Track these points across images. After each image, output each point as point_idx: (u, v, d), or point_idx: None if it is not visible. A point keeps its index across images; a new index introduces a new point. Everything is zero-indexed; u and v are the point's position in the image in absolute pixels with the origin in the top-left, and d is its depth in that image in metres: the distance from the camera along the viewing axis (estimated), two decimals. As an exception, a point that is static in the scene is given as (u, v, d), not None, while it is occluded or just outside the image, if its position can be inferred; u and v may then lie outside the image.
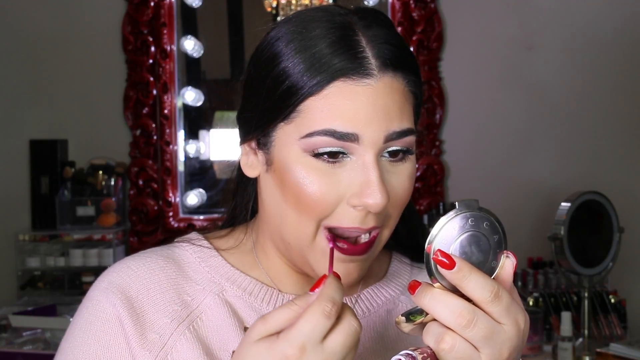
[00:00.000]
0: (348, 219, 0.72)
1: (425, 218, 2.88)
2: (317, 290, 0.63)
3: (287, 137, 0.73)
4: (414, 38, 2.94)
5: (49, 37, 2.99)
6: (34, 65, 3.01)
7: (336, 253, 0.73)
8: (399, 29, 2.93)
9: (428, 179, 2.95)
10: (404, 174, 0.74)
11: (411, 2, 2.93)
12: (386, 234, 0.76)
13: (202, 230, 0.89)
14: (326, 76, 0.71)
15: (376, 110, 0.71)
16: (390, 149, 0.73)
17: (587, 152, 2.98)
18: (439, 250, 0.62)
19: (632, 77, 2.98)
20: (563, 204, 2.26)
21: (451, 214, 0.63)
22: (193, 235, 0.87)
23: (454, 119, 2.99)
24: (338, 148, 0.71)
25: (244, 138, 0.80)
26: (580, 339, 2.29)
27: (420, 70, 0.78)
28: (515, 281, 2.67)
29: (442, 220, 0.63)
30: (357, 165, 0.71)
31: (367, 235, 0.74)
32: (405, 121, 0.73)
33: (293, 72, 0.72)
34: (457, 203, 0.63)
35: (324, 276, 0.64)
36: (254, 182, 0.84)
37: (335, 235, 0.73)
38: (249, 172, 0.80)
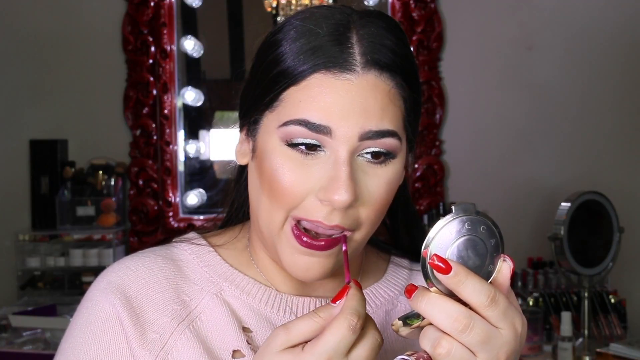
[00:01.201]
0: (314, 212, 0.72)
1: (425, 218, 2.88)
2: (340, 301, 0.63)
3: (269, 125, 0.74)
4: (414, 38, 2.94)
5: (49, 37, 2.99)
6: (34, 65, 3.01)
7: (297, 245, 0.73)
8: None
9: (428, 179, 2.95)
10: (381, 178, 0.73)
11: (411, 2, 2.93)
12: (358, 237, 0.75)
13: (201, 230, 0.89)
14: (309, 67, 0.71)
15: (353, 106, 0.70)
16: (370, 150, 0.72)
17: (587, 152, 2.98)
18: (435, 254, 0.61)
19: (632, 77, 2.98)
20: (563, 204, 2.26)
21: (448, 217, 0.62)
22: (191, 235, 0.88)
23: (454, 119, 2.99)
24: (312, 140, 0.71)
25: (240, 125, 0.81)
26: (580, 339, 2.29)
27: (417, 77, 0.77)
28: (515, 281, 2.67)
29: (439, 224, 0.62)
30: (329, 160, 0.71)
31: (334, 232, 0.73)
32: (386, 122, 0.72)
33: (283, 60, 0.73)
34: (453, 207, 0.63)
35: (346, 287, 0.64)
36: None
37: (304, 230, 0.73)
38: (239, 160, 0.81)
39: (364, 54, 0.72)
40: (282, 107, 0.73)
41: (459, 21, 2.98)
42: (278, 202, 0.73)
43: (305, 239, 0.72)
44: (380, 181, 0.73)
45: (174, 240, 0.87)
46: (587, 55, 2.97)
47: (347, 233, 0.73)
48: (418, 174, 2.93)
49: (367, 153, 0.72)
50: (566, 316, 2.21)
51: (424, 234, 0.92)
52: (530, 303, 2.50)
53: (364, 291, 0.86)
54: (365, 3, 2.92)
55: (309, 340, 0.62)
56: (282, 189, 0.72)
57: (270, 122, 0.74)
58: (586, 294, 2.28)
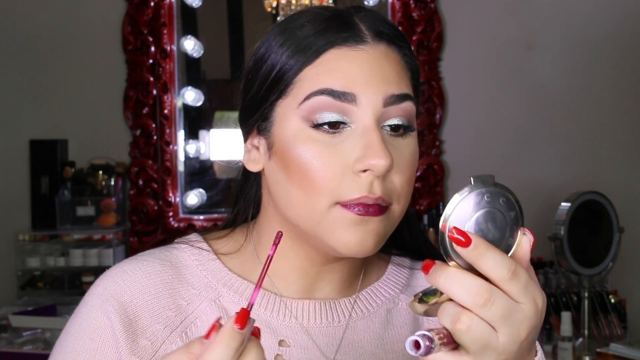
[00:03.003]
0: (356, 189, 0.71)
1: (425, 218, 2.88)
2: (212, 335, 0.56)
3: (286, 110, 0.74)
4: (414, 38, 2.94)
5: (49, 37, 2.99)
6: (34, 65, 3.01)
7: (351, 217, 0.71)
8: (399, 29, 2.92)
9: (428, 179, 2.95)
10: (406, 149, 0.74)
11: (411, 2, 2.93)
12: (397, 209, 0.74)
13: (203, 232, 0.89)
14: (321, 45, 0.73)
15: (373, 73, 0.72)
16: (390, 123, 0.73)
17: (587, 152, 2.98)
18: (455, 227, 0.59)
19: (631, 77, 2.98)
20: (563, 204, 2.26)
21: (466, 190, 0.60)
22: (193, 236, 0.87)
23: (454, 119, 2.99)
24: (337, 114, 0.71)
25: (246, 132, 0.80)
26: (580, 339, 2.29)
27: (413, 54, 0.79)
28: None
29: (457, 197, 0.60)
30: (357, 131, 0.72)
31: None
32: (404, 86, 0.73)
33: (282, 58, 0.74)
34: (472, 179, 0.61)
35: (215, 325, 0.56)
36: (257, 187, 0.84)
37: (356, 204, 0.71)
38: (252, 167, 0.80)
39: (370, 29, 0.75)
40: (298, 88, 0.73)
41: (459, 21, 2.98)
42: (315, 189, 0.72)
43: (357, 208, 0.71)
44: (406, 152, 0.74)
45: (175, 241, 0.87)
46: (587, 55, 2.97)
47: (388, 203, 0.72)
48: (418, 174, 2.93)
49: (388, 126, 0.73)
50: (566, 316, 2.21)
51: (423, 233, 0.93)
52: (530, 303, 2.49)
53: (365, 290, 0.85)
54: (366, 3, 2.92)
55: None
56: (316, 173, 0.71)
57: (285, 108, 0.74)
58: (586, 294, 2.28)
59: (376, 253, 0.89)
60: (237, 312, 0.55)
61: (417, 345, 0.57)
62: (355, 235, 0.72)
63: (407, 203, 0.76)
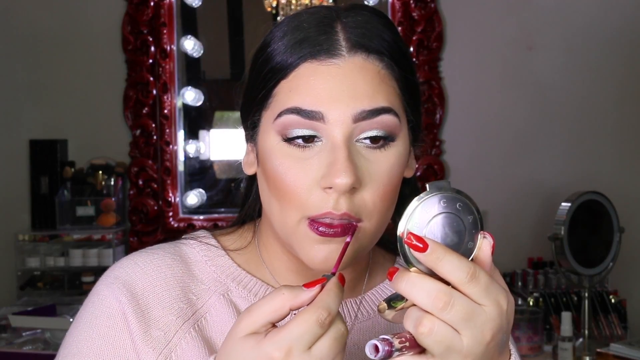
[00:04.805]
0: (322, 205, 0.71)
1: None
2: (312, 288, 0.61)
3: (266, 124, 0.75)
4: (414, 38, 2.94)
5: (49, 37, 2.99)
6: (34, 65, 3.01)
7: (314, 236, 0.72)
8: (399, 28, 2.92)
9: (428, 179, 2.95)
10: (383, 163, 0.72)
11: (411, 2, 2.93)
12: (368, 226, 0.73)
13: (210, 229, 0.89)
14: (296, 59, 0.72)
15: (342, 89, 0.71)
16: (368, 134, 0.72)
17: (587, 152, 2.98)
18: (411, 233, 0.60)
19: (632, 77, 2.98)
20: (563, 204, 2.26)
21: (422, 196, 0.61)
22: (201, 232, 0.88)
23: (454, 119, 2.99)
24: (308, 130, 0.71)
25: (245, 135, 0.81)
26: (581, 339, 2.29)
27: (408, 60, 0.77)
28: (515, 281, 2.67)
29: (414, 203, 0.61)
30: (326, 147, 0.71)
31: (346, 221, 0.72)
32: (380, 99, 0.72)
33: (272, 57, 0.74)
34: (427, 185, 0.62)
35: (323, 278, 0.63)
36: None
37: (319, 223, 0.72)
38: (247, 170, 0.81)
39: (349, 39, 0.73)
40: (275, 102, 0.74)
41: (459, 21, 2.98)
42: (287, 203, 0.72)
43: (320, 228, 0.71)
44: (382, 166, 0.72)
45: (183, 237, 0.87)
46: (587, 55, 2.97)
47: (357, 222, 0.72)
48: (418, 174, 2.92)
49: (365, 138, 0.72)
50: (566, 316, 2.21)
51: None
52: (531, 303, 2.50)
53: (370, 292, 0.86)
54: (365, 2, 2.92)
55: (273, 322, 0.61)
56: (287, 188, 0.72)
57: (266, 120, 0.75)
58: (586, 294, 2.28)
59: (381, 253, 0.89)
60: (333, 274, 0.63)
61: (377, 349, 0.58)
62: (319, 252, 0.72)
63: (383, 219, 0.75)
